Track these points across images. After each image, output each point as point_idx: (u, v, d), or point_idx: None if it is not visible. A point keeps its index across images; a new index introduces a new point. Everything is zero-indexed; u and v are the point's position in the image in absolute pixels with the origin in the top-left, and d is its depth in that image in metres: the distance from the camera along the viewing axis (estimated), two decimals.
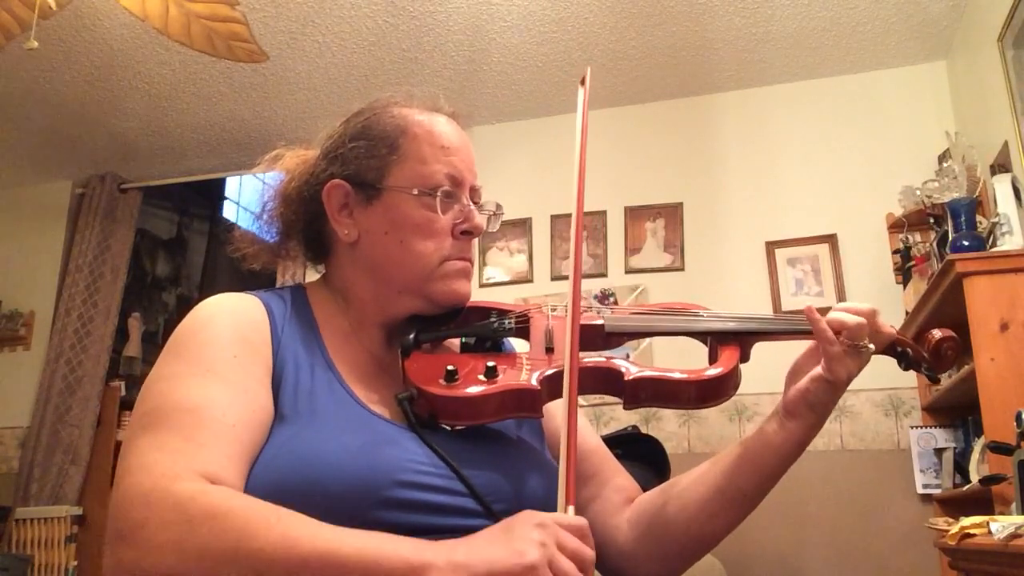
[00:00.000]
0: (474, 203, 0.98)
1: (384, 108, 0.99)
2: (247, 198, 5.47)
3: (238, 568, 0.66)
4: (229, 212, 5.54)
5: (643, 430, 3.14)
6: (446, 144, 0.96)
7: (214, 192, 5.34)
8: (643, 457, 2.66)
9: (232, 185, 5.41)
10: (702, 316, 0.95)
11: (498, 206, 1.02)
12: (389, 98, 1.01)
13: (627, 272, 3.63)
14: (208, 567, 0.66)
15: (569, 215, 0.99)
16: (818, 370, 0.86)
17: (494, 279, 3.79)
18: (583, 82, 0.98)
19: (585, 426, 1.05)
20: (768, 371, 0.99)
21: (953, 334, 0.92)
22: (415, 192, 0.93)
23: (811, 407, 0.87)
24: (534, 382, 0.84)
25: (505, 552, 0.68)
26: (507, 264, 3.80)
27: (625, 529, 0.97)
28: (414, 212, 0.93)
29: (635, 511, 0.98)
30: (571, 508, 0.72)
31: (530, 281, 3.72)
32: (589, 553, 0.70)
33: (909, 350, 0.92)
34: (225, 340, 0.85)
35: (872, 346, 0.86)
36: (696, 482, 0.94)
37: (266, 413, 0.83)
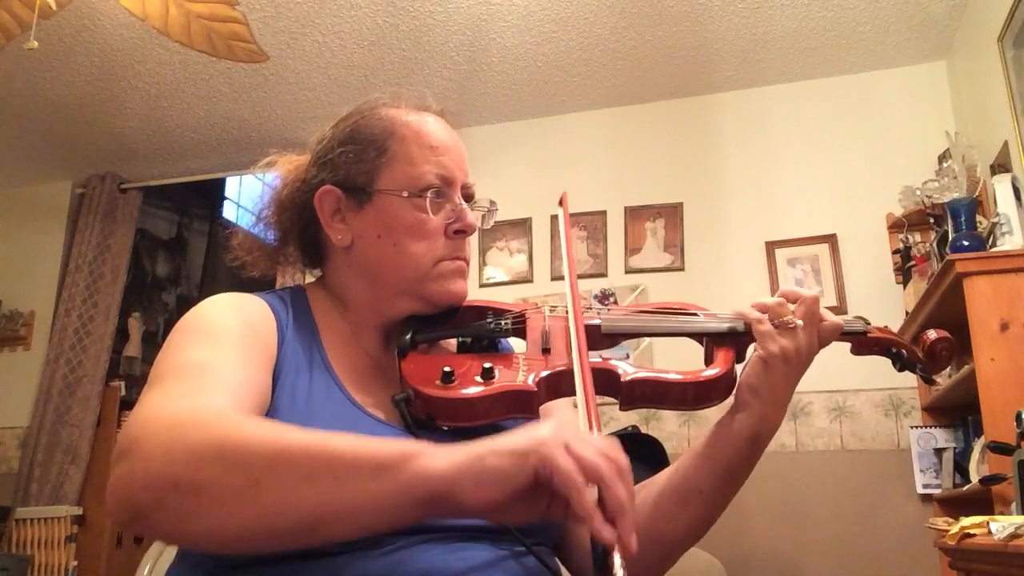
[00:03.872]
0: (467, 201, 0.97)
1: (371, 111, 0.99)
2: (247, 198, 5.47)
3: (223, 463, 0.63)
4: (229, 212, 5.54)
5: (643, 430, 3.14)
6: (435, 144, 0.95)
7: (214, 192, 5.34)
8: (643, 457, 2.66)
9: (232, 185, 5.41)
10: (698, 317, 0.95)
11: (492, 203, 1.02)
12: (376, 100, 1.01)
13: (627, 272, 3.63)
14: (195, 467, 0.63)
15: (572, 215, 0.99)
16: (757, 352, 0.87)
17: (494, 279, 3.78)
18: (561, 203, 0.99)
19: None
20: None
21: (947, 335, 0.92)
22: (405, 194, 0.92)
23: (753, 392, 0.87)
24: (531, 383, 0.84)
25: (511, 436, 0.62)
26: (507, 264, 3.79)
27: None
28: (405, 214, 0.92)
29: None
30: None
31: (530, 281, 3.72)
32: (623, 458, 0.62)
33: (904, 351, 0.93)
34: (232, 324, 0.85)
35: (800, 321, 0.86)
36: (655, 483, 0.93)
37: (267, 391, 0.83)
